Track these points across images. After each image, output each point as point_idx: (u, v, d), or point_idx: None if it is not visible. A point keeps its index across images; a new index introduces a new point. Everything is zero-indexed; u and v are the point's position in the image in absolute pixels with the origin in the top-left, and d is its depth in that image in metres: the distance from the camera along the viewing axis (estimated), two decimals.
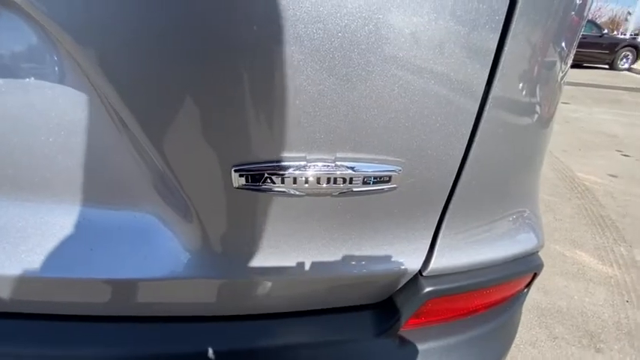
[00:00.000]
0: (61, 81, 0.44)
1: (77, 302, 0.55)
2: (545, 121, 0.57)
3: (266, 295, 0.55)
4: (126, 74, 0.41)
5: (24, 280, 0.50)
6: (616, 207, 2.84)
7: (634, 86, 9.44)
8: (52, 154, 0.47)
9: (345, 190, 0.48)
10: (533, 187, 0.67)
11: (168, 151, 0.45)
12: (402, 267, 0.55)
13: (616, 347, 1.60)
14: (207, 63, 0.39)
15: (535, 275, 0.66)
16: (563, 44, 0.51)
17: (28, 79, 0.43)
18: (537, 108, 0.54)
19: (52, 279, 0.50)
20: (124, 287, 0.52)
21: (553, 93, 0.55)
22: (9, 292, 0.52)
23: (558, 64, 0.52)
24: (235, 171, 0.45)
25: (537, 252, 0.66)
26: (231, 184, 0.46)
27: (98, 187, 0.50)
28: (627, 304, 1.86)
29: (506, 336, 0.67)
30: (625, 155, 4.07)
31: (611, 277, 2.05)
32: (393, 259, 0.55)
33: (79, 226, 0.51)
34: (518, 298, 0.69)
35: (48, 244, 0.50)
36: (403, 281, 0.57)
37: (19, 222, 0.50)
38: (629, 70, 13.40)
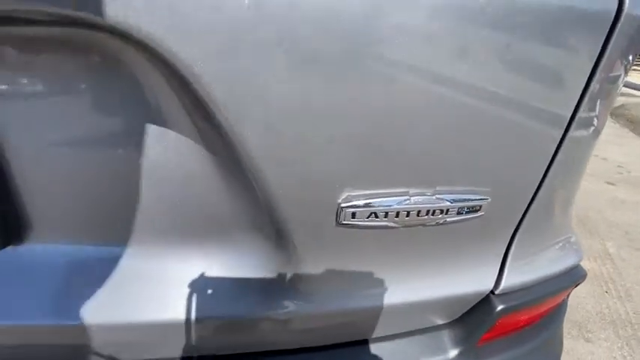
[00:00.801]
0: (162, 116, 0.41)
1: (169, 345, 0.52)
2: (597, 139, 0.60)
3: (352, 324, 0.56)
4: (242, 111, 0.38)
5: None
6: (585, 203, 3.08)
7: None
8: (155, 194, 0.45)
9: (441, 221, 0.50)
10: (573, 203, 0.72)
11: (277, 189, 0.44)
12: (478, 287, 0.58)
13: (602, 336, 1.74)
14: (320, 102, 0.40)
15: (578, 284, 0.71)
16: (631, 59, 0.53)
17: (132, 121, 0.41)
18: (597, 128, 0.57)
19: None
20: (225, 325, 0.51)
21: (610, 109, 0.58)
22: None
23: (622, 80, 0.55)
24: (343, 208, 0.46)
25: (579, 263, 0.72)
26: (337, 220, 0.47)
27: (196, 226, 0.48)
28: (606, 294, 2.02)
29: (559, 341, 0.73)
30: None
31: (588, 270, 2.21)
32: (469, 280, 0.58)
33: (189, 269, 0.50)
34: (561, 306, 0.75)
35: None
36: (477, 300, 0.60)
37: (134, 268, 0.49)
38: None
